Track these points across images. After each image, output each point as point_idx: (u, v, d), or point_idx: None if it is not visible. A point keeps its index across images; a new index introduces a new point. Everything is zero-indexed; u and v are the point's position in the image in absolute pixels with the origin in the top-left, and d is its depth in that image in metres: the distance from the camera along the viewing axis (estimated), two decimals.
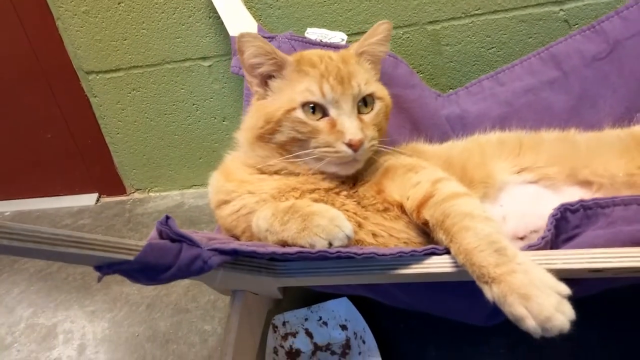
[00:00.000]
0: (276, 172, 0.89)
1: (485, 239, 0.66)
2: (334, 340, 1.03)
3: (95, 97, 1.69)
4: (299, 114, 0.83)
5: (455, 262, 0.71)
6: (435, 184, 0.80)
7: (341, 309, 1.04)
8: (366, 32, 0.95)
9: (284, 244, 0.76)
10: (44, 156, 1.84)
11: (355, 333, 1.01)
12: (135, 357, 1.12)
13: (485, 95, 1.21)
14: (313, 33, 1.26)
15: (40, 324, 1.28)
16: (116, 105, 1.69)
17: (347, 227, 0.74)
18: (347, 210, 0.82)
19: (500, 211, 0.91)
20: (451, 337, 1.02)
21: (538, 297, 0.59)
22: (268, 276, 0.78)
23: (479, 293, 0.67)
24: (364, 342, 0.99)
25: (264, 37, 1.29)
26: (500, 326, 1.00)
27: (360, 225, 0.81)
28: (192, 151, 1.75)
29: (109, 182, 1.85)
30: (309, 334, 1.04)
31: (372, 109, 0.88)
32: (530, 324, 0.59)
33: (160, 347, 1.14)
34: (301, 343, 1.03)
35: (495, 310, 0.80)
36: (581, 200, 0.77)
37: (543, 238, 0.74)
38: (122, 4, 1.51)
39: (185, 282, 1.31)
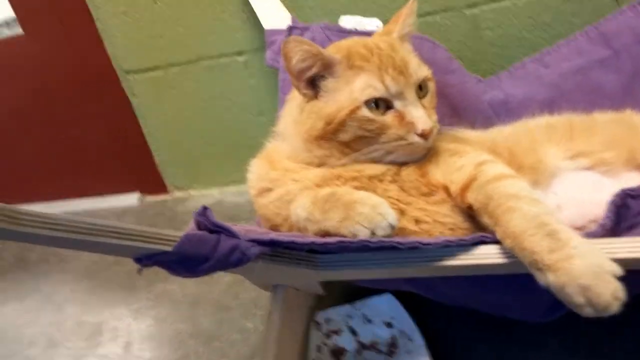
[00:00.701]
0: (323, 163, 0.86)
1: (533, 221, 0.62)
2: (380, 338, 0.99)
3: (135, 96, 1.71)
4: (365, 112, 0.79)
5: (507, 253, 0.67)
6: (479, 166, 0.76)
7: (385, 306, 1.00)
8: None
9: (324, 233, 0.74)
10: (87, 157, 1.89)
11: (401, 331, 0.98)
12: (179, 354, 1.12)
13: (530, 79, 1.15)
14: (347, 21, 1.23)
15: (87, 321, 1.30)
16: (155, 104, 1.71)
17: (391, 215, 0.71)
18: (390, 197, 0.79)
19: (555, 199, 0.86)
20: (503, 335, 0.97)
21: (597, 287, 0.56)
22: (308, 269, 0.76)
23: (535, 285, 0.63)
24: (411, 340, 0.95)
25: (298, 28, 1.29)
26: (556, 325, 0.95)
27: (403, 212, 0.78)
28: (229, 148, 1.75)
29: (151, 181, 1.88)
30: (353, 332, 1.01)
31: (427, 92, 0.85)
32: (588, 311, 0.57)
33: (203, 344, 1.13)
34: (345, 341, 1.00)
35: (554, 305, 0.76)
36: None
37: (602, 226, 0.69)
38: (159, 3, 1.52)
39: (226, 280, 1.31)
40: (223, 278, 1.31)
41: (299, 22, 1.32)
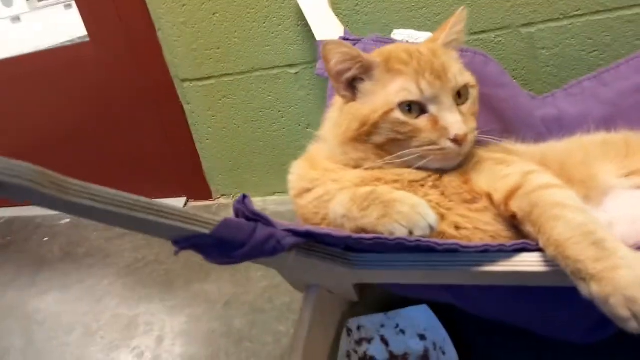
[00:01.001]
0: (358, 166, 0.86)
1: (579, 229, 0.60)
2: (411, 350, 0.97)
3: (188, 104, 1.77)
4: (398, 114, 0.80)
5: (550, 261, 0.64)
6: (526, 176, 0.73)
7: (420, 317, 0.98)
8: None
9: (362, 231, 0.73)
10: (140, 161, 1.96)
11: (434, 344, 0.95)
12: (210, 351, 1.13)
13: (585, 96, 1.12)
14: (400, 34, 1.23)
15: (123, 314, 1.33)
16: (207, 112, 1.76)
17: (431, 216, 0.69)
18: (430, 201, 0.77)
19: (606, 217, 0.82)
20: (543, 356, 0.92)
21: None
22: (342, 267, 0.75)
23: (580, 300, 0.60)
24: (444, 353, 0.92)
25: (350, 39, 1.31)
26: (603, 349, 0.90)
27: (443, 217, 0.76)
28: (275, 158, 1.77)
29: (197, 187, 1.92)
30: (384, 341, 0.98)
31: (467, 99, 0.84)
32: (633, 326, 0.53)
33: (234, 344, 1.13)
34: (376, 350, 0.98)
35: (600, 323, 0.72)
36: None
37: None
38: (217, 15, 1.58)
39: (262, 284, 1.31)
40: (259, 283, 1.32)
41: (351, 35, 1.33)
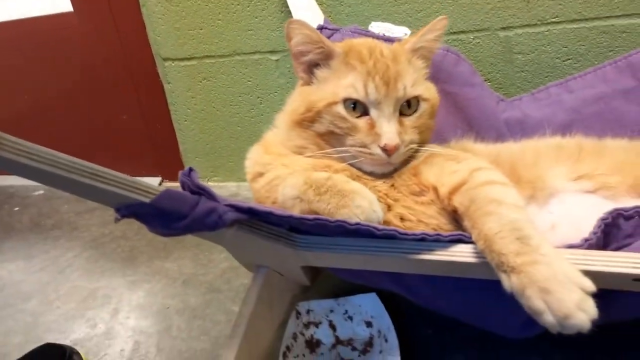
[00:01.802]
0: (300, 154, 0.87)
1: (508, 225, 0.61)
2: (357, 336, 0.98)
3: (169, 83, 1.77)
4: (340, 109, 0.81)
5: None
6: (472, 172, 0.75)
7: (368, 305, 0.99)
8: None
9: (314, 214, 0.73)
10: (117, 137, 1.95)
11: (379, 331, 0.96)
12: (162, 326, 1.13)
13: (550, 101, 1.13)
14: (377, 27, 1.24)
15: (83, 286, 1.33)
16: (187, 92, 1.76)
17: (380, 213, 0.72)
18: (379, 191, 0.79)
19: (550, 218, 0.83)
20: (484, 349, 0.94)
21: (559, 292, 0.54)
22: (286, 247, 0.76)
23: (508, 294, 0.61)
24: (386, 340, 0.93)
25: (329, 29, 1.31)
26: (541, 344, 0.92)
27: (389, 207, 0.78)
28: (252, 144, 1.75)
29: (173, 168, 1.92)
30: (332, 326, 0.99)
31: (415, 111, 0.85)
32: (548, 319, 0.54)
33: (187, 320, 1.14)
34: (323, 334, 0.99)
35: (529, 320, 0.73)
36: (637, 207, 0.69)
37: (587, 241, 0.67)
38: None
39: (223, 265, 1.32)
40: (220, 264, 1.33)
41: (330, 23, 1.34)
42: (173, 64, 1.73)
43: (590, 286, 0.55)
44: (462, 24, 1.37)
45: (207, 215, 0.69)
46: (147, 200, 0.67)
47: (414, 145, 0.83)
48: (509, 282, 0.58)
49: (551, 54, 1.32)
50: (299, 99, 0.87)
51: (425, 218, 0.77)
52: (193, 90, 1.75)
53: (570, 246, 0.66)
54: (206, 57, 1.67)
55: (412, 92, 0.83)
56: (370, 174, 0.83)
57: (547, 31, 1.31)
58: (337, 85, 0.82)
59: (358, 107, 0.81)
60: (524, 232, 0.60)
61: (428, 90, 0.87)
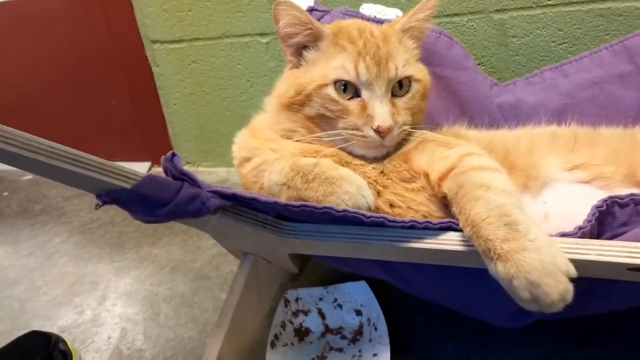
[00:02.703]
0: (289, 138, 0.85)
1: (496, 210, 0.59)
2: (347, 324, 0.97)
3: (157, 66, 1.73)
4: (331, 91, 0.79)
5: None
6: (463, 157, 0.73)
7: (358, 293, 0.97)
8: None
9: (301, 201, 0.71)
10: (106, 121, 1.91)
11: (369, 319, 0.95)
12: (149, 313, 1.12)
13: (545, 86, 1.10)
14: (368, 9, 1.21)
15: (70, 272, 1.31)
16: (176, 76, 1.72)
17: (370, 198, 0.70)
18: (368, 177, 0.77)
19: (543, 208, 0.82)
20: (474, 339, 0.93)
21: (546, 286, 0.53)
22: (272, 234, 0.74)
23: (498, 283, 0.59)
24: (376, 329, 0.92)
25: (319, 10, 1.28)
26: (532, 334, 0.91)
27: (379, 194, 0.76)
28: (242, 128, 1.74)
29: (162, 152, 1.82)
30: (321, 315, 0.98)
31: (407, 92, 0.82)
32: (532, 307, 0.55)
33: (174, 308, 1.12)
34: (312, 322, 0.98)
35: (518, 310, 0.72)
36: (632, 194, 0.67)
37: (580, 229, 0.65)
38: None
39: (211, 252, 1.30)
40: (208, 250, 1.31)
41: (320, 5, 1.31)
42: (162, 47, 1.69)
43: (574, 273, 0.55)
44: (456, 6, 1.34)
45: (190, 202, 0.67)
46: (128, 186, 0.65)
47: (407, 127, 0.81)
48: (495, 270, 0.57)
49: (546, 37, 1.30)
50: (287, 82, 0.84)
51: (414, 205, 0.75)
52: (182, 73, 1.71)
53: (564, 234, 0.64)
54: (195, 39, 1.64)
55: (403, 72, 0.80)
56: (362, 158, 0.81)
57: (542, 14, 1.28)
58: (326, 67, 0.80)
59: (349, 88, 0.79)
60: (512, 217, 0.58)
61: (420, 71, 0.85)
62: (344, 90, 0.79)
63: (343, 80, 0.78)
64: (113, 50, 1.76)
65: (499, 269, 0.56)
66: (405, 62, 0.81)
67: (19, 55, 1.88)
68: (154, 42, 1.69)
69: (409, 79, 0.82)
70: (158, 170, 1.88)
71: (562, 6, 1.26)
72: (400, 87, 0.81)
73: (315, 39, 0.83)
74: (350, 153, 0.81)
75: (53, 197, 1.76)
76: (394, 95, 0.81)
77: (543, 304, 0.53)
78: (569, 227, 0.78)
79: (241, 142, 0.90)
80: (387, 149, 0.81)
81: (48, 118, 1.97)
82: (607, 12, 1.23)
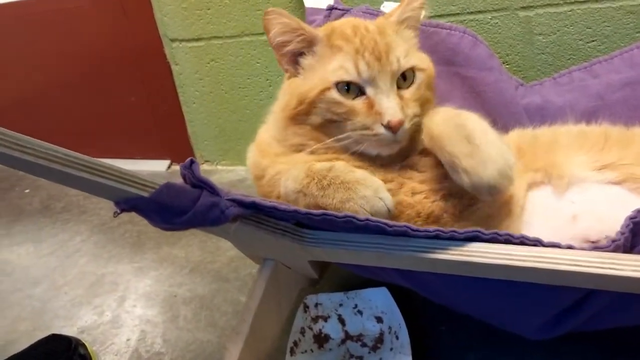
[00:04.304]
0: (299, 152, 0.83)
1: (451, 121, 0.71)
2: (367, 331, 0.95)
3: (176, 65, 1.73)
4: (334, 94, 0.76)
5: (503, 254, 0.62)
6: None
7: (379, 300, 0.96)
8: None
9: (319, 209, 0.70)
10: (125, 119, 1.92)
11: (390, 327, 0.93)
12: (168, 316, 1.12)
13: (573, 87, 1.07)
14: (389, 7, 1.18)
15: (90, 272, 1.31)
16: (195, 74, 1.72)
17: (388, 200, 0.69)
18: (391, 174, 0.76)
19: (571, 208, 0.79)
20: (497, 349, 0.90)
21: (501, 185, 0.66)
22: (293, 242, 0.73)
23: (531, 295, 0.57)
24: (397, 338, 0.90)
25: (339, 9, 1.26)
26: (560, 346, 0.88)
27: (401, 185, 0.75)
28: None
29: (181, 151, 1.89)
30: (341, 321, 0.97)
31: (412, 83, 0.80)
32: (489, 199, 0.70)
33: (193, 310, 1.12)
34: (332, 329, 0.96)
35: (551, 321, 0.70)
36: None
37: (614, 241, 0.62)
38: None
39: (230, 254, 1.29)
40: (227, 252, 1.30)
41: (340, 3, 1.28)
42: (181, 45, 1.68)
43: (513, 162, 0.67)
44: (480, 3, 1.30)
45: (209, 210, 0.66)
46: (146, 194, 0.64)
47: (418, 119, 0.79)
48: (461, 180, 0.68)
49: (574, 35, 1.26)
50: (288, 93, 0.82)
51: (435, 185, 0.76)
52: (201, 72, 1.71)
53: (596, 248, 0.61)
54: (214, 37, 1.63)
55: (406, 63, 0.78)
56: (377, 157, 0.79)
57: (570, 11, 1.24)
58: (325, 70, 0.78)
59: (352, 88, 0.76)
60: (467, 130, 0.68)
61: (422, 61, 0.82)
62: (347, 91, 0.76)
63: (345, 81, 0.76)
64: (132, 49, 1.76)
65: (464, 180, 0.68)
66: (406, 52, 0.79)
67: (38, 53, 1.89)
68: (173, 40, 1.68)
69: (412, 70, 0.79)
70: (177, 169, 1.89)
71: (591, 3, 1.22)
72: (404, 79, 0.79)
73: (309, 44, 0.80)
74: (360, 155, 0.79)
75: (74, 194, 1.77)
76: (399, 88, 0.78)
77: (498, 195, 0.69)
78: (599, 230, 0.76)
79: (252, 160, 0.89)
80: (400, 144, 0.78)
81: (68, 115, 1.99)
82: (638, 10, 1.18)
